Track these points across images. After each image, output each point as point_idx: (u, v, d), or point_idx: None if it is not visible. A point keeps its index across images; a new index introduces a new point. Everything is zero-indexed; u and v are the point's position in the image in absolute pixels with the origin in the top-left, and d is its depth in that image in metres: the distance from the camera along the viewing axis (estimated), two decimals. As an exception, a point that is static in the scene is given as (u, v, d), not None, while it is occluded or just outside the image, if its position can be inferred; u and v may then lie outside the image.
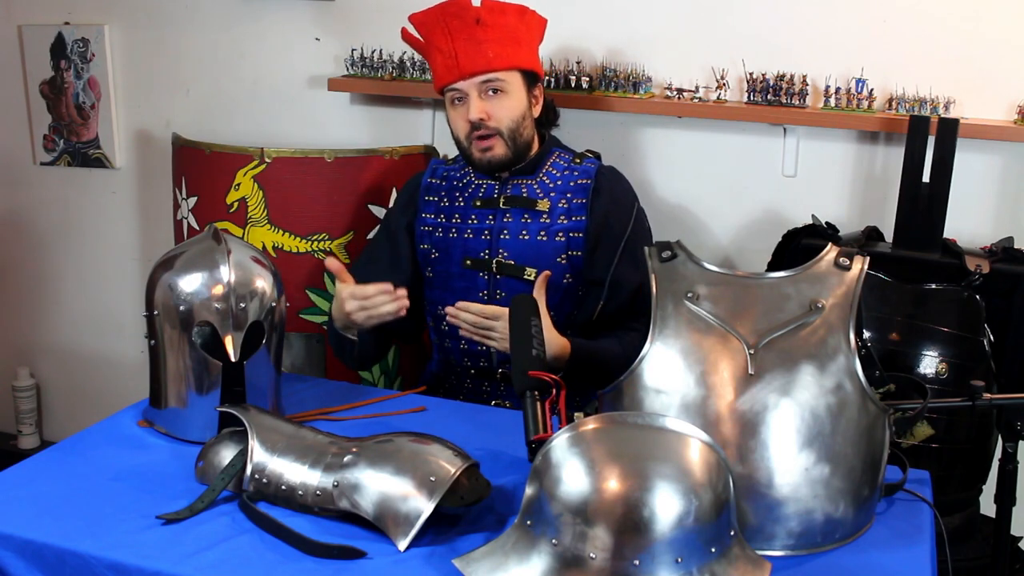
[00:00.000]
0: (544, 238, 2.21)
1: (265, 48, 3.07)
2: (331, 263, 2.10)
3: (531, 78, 2.24)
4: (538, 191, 2.24)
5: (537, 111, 2.27)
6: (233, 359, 1.82)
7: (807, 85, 2.53)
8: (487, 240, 2.24)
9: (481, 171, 2.26)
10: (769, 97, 2.54)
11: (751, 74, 2.56)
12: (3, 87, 3.40)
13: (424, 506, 1.52)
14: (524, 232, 2.22)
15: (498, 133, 2.19)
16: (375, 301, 2.05)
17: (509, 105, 2.19)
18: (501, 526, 1.57)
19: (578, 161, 2.27)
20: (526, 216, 2.23)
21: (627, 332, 2.17)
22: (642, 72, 2.66)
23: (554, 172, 2.26)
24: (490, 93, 2.18)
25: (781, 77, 2.53)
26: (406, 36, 2.30)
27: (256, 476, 1.63)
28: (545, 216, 2.22)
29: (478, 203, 2.26)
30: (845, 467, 1.56)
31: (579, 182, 2.23)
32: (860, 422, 1.57)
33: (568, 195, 2.22)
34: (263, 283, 1.88)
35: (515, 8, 2.23)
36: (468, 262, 2.25)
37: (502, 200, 2.25)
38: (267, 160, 2.57)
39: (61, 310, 3.55)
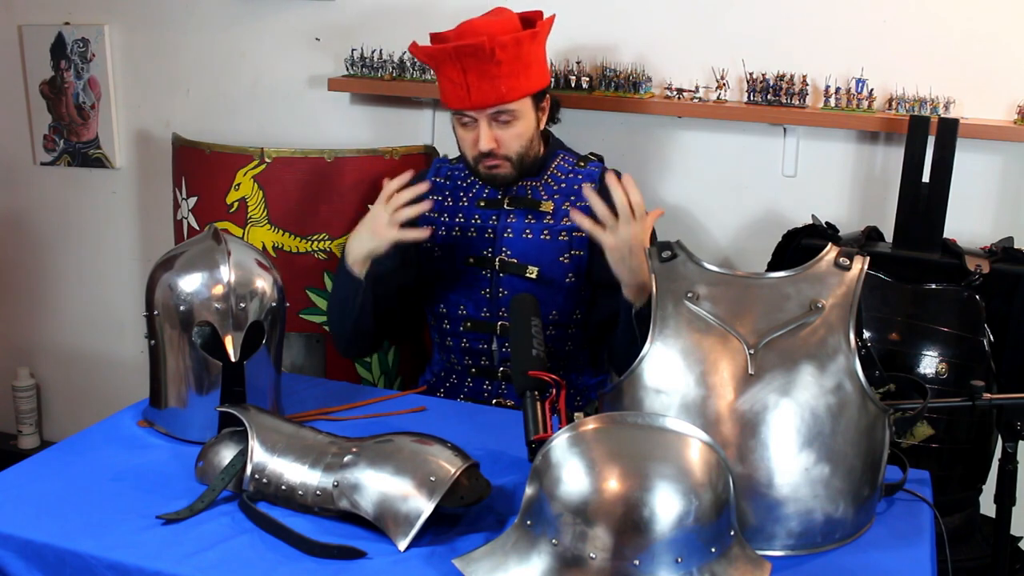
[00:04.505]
0: (547, 237, 2.21)
1: (265, 48, 3.07)
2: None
3: (540, 94, 2.23)
4: (542, 192, 2.24)
5: (544, 122, 2.26)
6: (233, 359, 1.82)
7: (807, 85, 2.52)
8: (490, 239, 2.24)
9: (486, 184, 2.26)
10: (769, 97, 2.54)
11: (751, 74, 2.56)
12: (3, 87, 3.40)
13: (424, 506, 1.52)
14: (527, 231, 2.22)
15: (507, 159, 2.19)
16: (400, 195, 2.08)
17: (518, 132, 2.18)
18: (501, 526, 1.57)
19: (582, 164, 2.28)
20: (530, 216, 2.23)
21: None
22: (642, 72, 2.66)
23: (559, 175, 2.26)
24: (500, 121, 2.16)
25: (781, 77, 2.53)
26: (415, 51, 2.25)
27: (256, 476, 1.63)
28: (549, 217, 2.22)
29: (482, 203, 2.26)
30: (845, 467, 1.56)
31: (583, 184, 2.23)
32: (860, 422, 1.57)
33: (572, 197, 2.22)
34: (263, 283, 1.88)
35: (527, 35, 2.17)
36: (471, 260, 2.25)
37: (506, 201, 2.25)
38: (267, 160, 2.57)
39: (61, 310, 3.55)
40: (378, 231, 2.11)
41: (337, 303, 2.25)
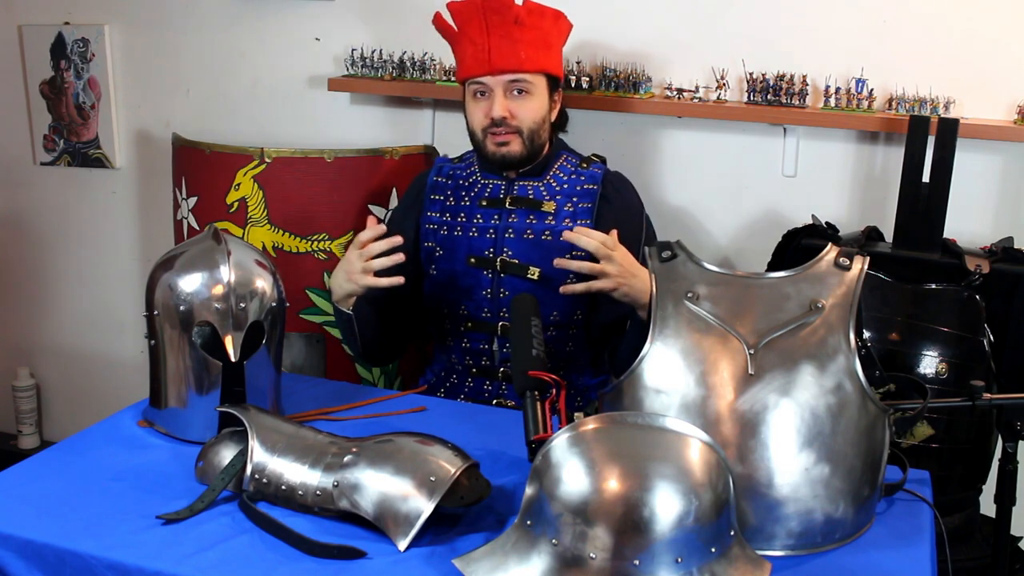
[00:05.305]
0: (548, 238, 2.21)
1: (265, 48, 3.07)
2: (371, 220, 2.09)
3: (554, 82, 2.25)
4: (544, 193, 2.25)
5: (555, 115, 2.28)
6: (233, 359, 1.82)
7: (807, 85, 2.52)
8: (492, 239, 2.24)
9: (492, 165, 2.26)
10: (769, 97, 2.54)
11: (751, 74, 2.56)
12: (3, 87, 3.40)
13: (424, 506, 1.52)
14: (528, 232, 2.22)
15: (518, 132, 2.20)
16: (371, 248, 2.04)
17: (532, 107, 2.20)
18: (501, 526, 1.57)
19: (585, 165, 2.28)
20: (531, 217, 2.23)
21: None
22: (642, 72, 2.66)
23: (561, 175, 2.26)
24: (515, 93, 2.18)
25: (781, 77, 2.53)
26: (438, 21, 2.28)
27: (256, 476, 1.63)
28: (550, 217, 2.22)
29: (484, 203, 2.27)
30: (845, 467, 1.56)
31: (586, 187, 2.24)
32: (860, 422, 1.57)
33: (574, 199, 2.23)
34: (263, 283, 1.88)
35: (552, 12, 2.24)
36: (472, 260, 2.25)
37: (508, 200, 2.25)
38: (267, 160, 2.57)
39: (61, 310, 3.55)
40: (352, 277, 2.10)
41: (340, 330, 2.27)
